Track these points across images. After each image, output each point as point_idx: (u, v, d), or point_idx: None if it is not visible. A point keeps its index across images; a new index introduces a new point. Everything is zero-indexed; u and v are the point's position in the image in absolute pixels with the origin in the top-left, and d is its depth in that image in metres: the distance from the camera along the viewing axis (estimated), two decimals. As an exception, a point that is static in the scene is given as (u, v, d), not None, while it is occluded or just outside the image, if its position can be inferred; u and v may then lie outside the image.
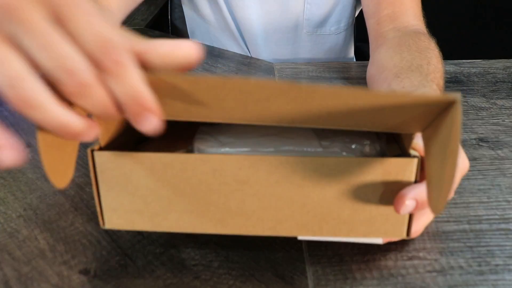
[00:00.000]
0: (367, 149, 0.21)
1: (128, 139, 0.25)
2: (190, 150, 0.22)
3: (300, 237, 0.22)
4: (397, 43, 0.37)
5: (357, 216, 0.21)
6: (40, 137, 0.18)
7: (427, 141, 0.19)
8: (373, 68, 0.39)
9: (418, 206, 0.20)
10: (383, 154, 0.22)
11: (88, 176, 0.31)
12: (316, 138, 0.22)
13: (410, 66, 0.32)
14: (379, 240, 0.22)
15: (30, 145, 0.35)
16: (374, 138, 0.22)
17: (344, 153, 0.21)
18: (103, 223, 0.22)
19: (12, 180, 0.31)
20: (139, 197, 0.21)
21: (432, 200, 0.18)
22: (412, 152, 0.20)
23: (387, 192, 0.20)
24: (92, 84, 0.14)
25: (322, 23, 0.54)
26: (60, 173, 0.20)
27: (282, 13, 0.52)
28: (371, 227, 0.21)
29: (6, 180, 0.31)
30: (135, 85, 0.15)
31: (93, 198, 0.20)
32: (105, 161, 0.20)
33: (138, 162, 0.20)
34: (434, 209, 0.18)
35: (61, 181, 0.20)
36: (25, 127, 0.38)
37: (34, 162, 0.33)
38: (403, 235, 0.21)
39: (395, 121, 0.19)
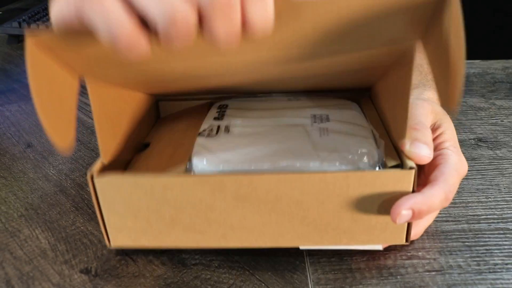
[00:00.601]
0: (365, 158, 0.22)
1: (128, 148, 0.25)
2: (189, 169, 0.22)
3: (302, 247, 0.22)
4: None
5: (356, 225, 0.21)
6: (36, 98, 0.17)
7: (428, 47, 0.18)
8: None
9: (415, 216, 0.20)
10: (381, 163, 0.22)
11: (89, 176, 0.31)
12: (313, 149, 0.22)
13: None
14: (379, 247, 0.22)
15: (31, 145, 0.35)
16: (372, 148, 0.22)
17: (342, 167, 0.21)
18: (109, 243, 0.23)
19: (13, 180, 0.31)
20: (142, 218, 0.21)
21: (442, 96, 0.17)
22: (409, 163, 0.20)
23: (386, 201, 0.20)
24: (236, 5, 0.14)
25: None
26: (62, 135, 0.19)
27: None
28: (371, 235, 0.21)
29: (8, 179, 0.31)
30: (271, 9, 0.14)
31: (94, 198, 0.20)
32: (105, 186, 0.21)
33: (138, 185, 0.20)
34: (444, 103, 0.16)
35: (64, 143, 0.19)
36: (26, 127, 0.38)
37: (35, 162, 0.33)
38: (403, 241, 0.22)
39: (390, 32, 0.18)
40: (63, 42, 0.17)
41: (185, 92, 0.29)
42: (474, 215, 0.26)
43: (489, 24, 0.69)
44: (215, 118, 0.27)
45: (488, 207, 0.26)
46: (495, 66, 0.46)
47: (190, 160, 0.23)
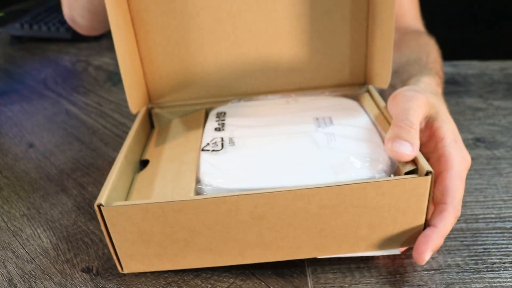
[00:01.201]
0: (379, 166, 0.21)
1: (129, 164, 0.25)
2: (199, 189, 0.22)
3: (319, 257, 0.22)
4: (397, 43, 0.37)
5: (374, 232, 0.21)
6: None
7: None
8: None
9: (435, 250, 0.21)
10: (395, 169, 0.22)
11: (90, 175, 0.31)
12: (324, 160, 0.22)
13: (408, 60, 0.32)
14: (396, 251, 0.22)
15: (33, 145, 0.35)
16: (384, 154, 0.22)
17: (358, 177, 0.21)
18: (122, 269, 0.22)
19: (15, 180, 0.31)
20: (155, 243, 0.21)
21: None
22: (426, 167, 0.20)
23: (403, 207, 0.20)
24: None
25: None
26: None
27: None
28: (388, 240, 0.21)
29: (10, 179, 0.31)
30: None
31: (95, 197, 0.20)
32: (114, 215, 0.20)
33: (149, 212, 0.20)
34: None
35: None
36: (28, 127, 0.38)
37: (37, 161, 0.33)
38: None
39: None
40: None
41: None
42: (472, 214, 0.26)
43: (486, 25, 0.69)
44: (216, 129, 0.26)
45: (486, 206, 0.27)
46: (493, 67, 0.46)
47: (199, 180, 0.22)
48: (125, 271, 0.22)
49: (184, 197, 0.20)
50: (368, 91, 0.30)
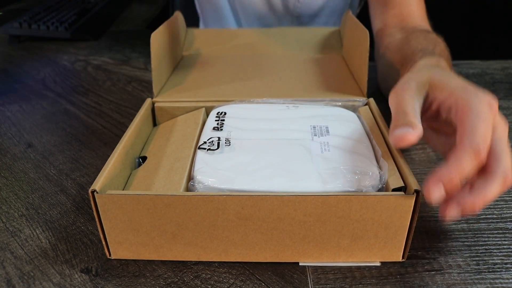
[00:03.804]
0: (367, 181, 0.22)
1: (129, 160, 0.26)
2: (191, 185, 0.23)
3: (301, 263, 0.23)
4: (405, 38, 0.37)
5: (355, 244, 0.21)
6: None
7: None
8: (381, 70, 0.39)
9: (449, 186, 0.19)
10: (384, 184, 0.22)
11: (89, 175, 0.31)
12: (315, 169, 0.22)
13: (415, 50, 0.31)
14: (376, 263, 0.22)
15: (32, 145, 0.35)
16: (374, 169, 0.22)
17: (345, 188, 0.21)
18: (109, 255, 0.23)
19: (14, 180, 0.31)
20: (143, 232, 0.22)
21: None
22: (413, 186, 0.20)
23: (386, 222, 0.21)
24: None
25: (310, 22, 0.55)
26: None
27: (273, 10, 0.54)
28: (369, 253, 0.22)
29: (9, 180, 0.31)
30: None
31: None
32: (106, 202, 0.21)
33: (139, 203, 0.21)
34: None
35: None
36: (27, 127, 0.38)
37: (36, 162, 0.33)
38: (399, 259, 0.22)
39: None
40: None
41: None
42: (474, 214, 0.26)
43: (488, 25, 0.69)
44: (214, 128, 0.27)
45: (487, 206, 0.26)
46: (494, 66, 0.46)
47: (192, 177, 0.23)
48: (113, 257, 0.23)
49: (175, 192, 0.21)
50: (368, 104, 0.30)
